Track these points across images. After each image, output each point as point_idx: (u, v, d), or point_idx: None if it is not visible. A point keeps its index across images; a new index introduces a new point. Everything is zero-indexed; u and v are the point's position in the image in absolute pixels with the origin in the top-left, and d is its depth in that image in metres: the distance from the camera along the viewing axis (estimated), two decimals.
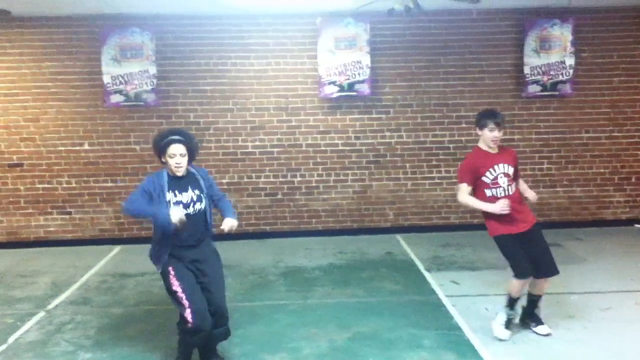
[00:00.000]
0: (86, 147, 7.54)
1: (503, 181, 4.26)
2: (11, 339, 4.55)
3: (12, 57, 7.37)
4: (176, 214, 3.61)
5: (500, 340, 4.27)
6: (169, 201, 3.72)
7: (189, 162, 3.85)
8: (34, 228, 7.62)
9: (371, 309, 5.01)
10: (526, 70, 7.60)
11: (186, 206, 3.73)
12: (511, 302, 4.35)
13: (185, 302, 3.71)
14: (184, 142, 3.76)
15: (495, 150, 4.34)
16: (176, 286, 3.74)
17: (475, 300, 5.14)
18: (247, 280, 5.98)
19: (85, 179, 7.57)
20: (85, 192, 7.59)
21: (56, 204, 7.60)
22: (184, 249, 3.80)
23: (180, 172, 3.77)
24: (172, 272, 3.75)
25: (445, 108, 7.73)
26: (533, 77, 7.62)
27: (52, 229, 7.61)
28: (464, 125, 7.74)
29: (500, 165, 4.27)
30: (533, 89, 7.64)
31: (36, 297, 5.59)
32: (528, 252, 4.23)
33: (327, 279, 5.96)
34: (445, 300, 5.14)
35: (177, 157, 3.73)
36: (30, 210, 7.59)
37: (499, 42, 7.68)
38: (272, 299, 5.37)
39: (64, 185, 7.57)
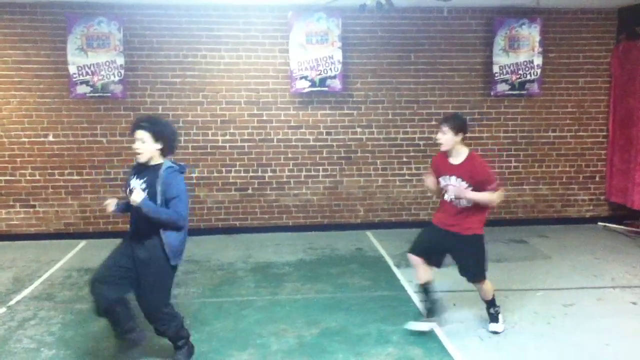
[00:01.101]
0: (51, 138, 7.34)
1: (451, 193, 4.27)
2: None
3: None
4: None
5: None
6: (126, 188, 3.78)
7: (165, 153, 3.78)
8: None
9: (340, 304, 5.02)
10: (495, 69, 7.70)
11: (130, 192, 3.67)
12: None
13: None
14: (147, 129, 3.69)
15: (451, 157, 4.31)
16: None
17: (443, 296, 5.16)
18: (216, 276, 5.93)
19: (49, 171, 7.38)
20: (49, 184, 7.40)
21: (19, 197, 7.39)
22: (132, 239, 3.78)
23: (140, 159, 3.73)
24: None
25: (415, 105, 7.79)
26: (502, 76, 7.73)
27: (15, 222, 7.40)
28: (434, 122, 7.79)
29: (452, 177, 4.26)
30: (502, 87, 7.75)
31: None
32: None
33: (296, 274, 5.95)
34: (414, 296, 5.19)
35: (137, 142, 3.70)
36: (10, 203, 7.36)
37: (469, 40, 7.76)
38: (240, 295, 5.34)
39: (28, 178, 7.36)
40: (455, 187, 4.19)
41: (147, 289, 3.74)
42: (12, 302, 5.16)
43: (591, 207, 8.19)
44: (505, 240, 7.21)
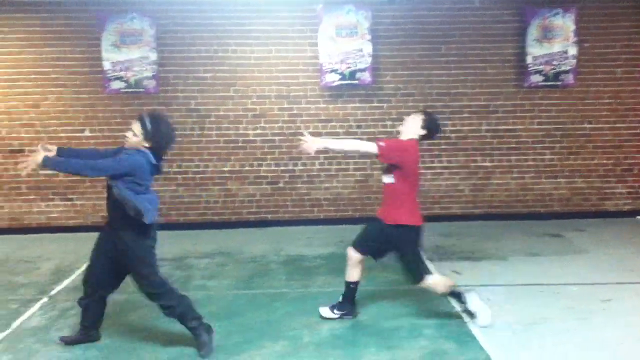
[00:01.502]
0: (87, 133, 7.52)
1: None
2: (15, 324, 4.56)
3: (12, 43, 7.33)
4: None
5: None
6: None
7: (155, 154, 3.88)
8: (36, 214, 7.62)
9: (372, 297, 5.02)
10: (528, 59, 7.57)
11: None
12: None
13: None
14: (144, 126, 3.80)
15: None
16: None
17: (477, 290, 5.13)
18: (248, 268, 6.00)
19: None
20: (86, 178, 7.57)
21: (58, 191, 7.60)
22: (109, 226, 3.96)
23: (125, 144, 3.91)
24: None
25: (447, 97, 7.71)
26: (535, 67, 7.59)
27: (54, 215, 7.62)
28: (466, 114, 7.73)
29: None
30: (535, 78, 7.61)
31: (39, 282, 5.61)
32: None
33: (327, 267, 5.98)
34: None
35: (129, 131, 3.86)
36: (32, 197, 7.59)
37: (501, 31, 7.64)
38: (272, 287, 5.39)
39: None
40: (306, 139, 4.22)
41: (135, 271, 3.94)
42: (53, 292, 5.33)
43: (629, 201, 7.99)
44: (540, 234, 7.10)
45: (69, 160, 3.79)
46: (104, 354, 4.02)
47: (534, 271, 5.66)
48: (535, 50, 7.55)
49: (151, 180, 3.96)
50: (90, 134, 7.51)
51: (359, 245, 4.49)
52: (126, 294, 5.25)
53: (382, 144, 4.18)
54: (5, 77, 7.37)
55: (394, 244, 4.36)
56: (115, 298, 5.09)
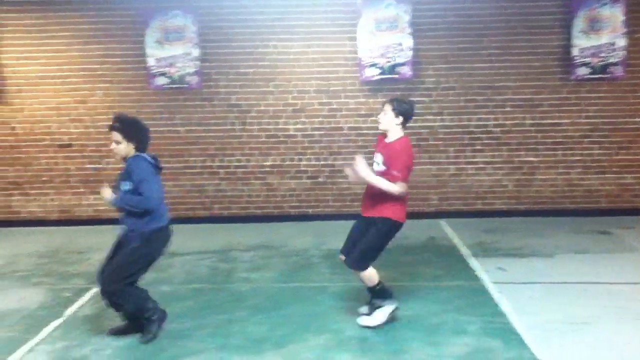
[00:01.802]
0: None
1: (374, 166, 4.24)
2: (68, 312, 4.74)
3: (62, 40, 7.56)
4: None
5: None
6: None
7: (140, 150, 4.03)
8: (85, 207, 7.88)
9: (414, 293, 5.01)
10: (574, 52, 7.38)
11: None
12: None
13: None
14: (119, 130, 3.95)
15: (387, 138, 4.30)
16: None
17: (521, 287, 5.08)
18: (290, 262, 6.06)
19: None
20: None
21: (105, 184, 7.80)
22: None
23: (117, 157, 4.10)
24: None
25: (489, 91, 7.59)
26: (582, 59, 7.40)
27: (102, 207, 7.84)
28: (509, 108, 7.59)
29: (377, 153, 4.29)
30: (582, 71, 7.41)
31: (90, 272, 5.77)
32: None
33: (377, 262, 5.96)
34: (491, 287, 5.08)
35: (113, 143, 4.00)
36: (81, 190, 7.85)
37: (546, 22, 7.47)
38: (315, 281, 5.43)
39: (112, 166, 7.75)
40: (355, 164, 4.10)
41: (112, 263, 4.05)
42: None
43: None
44: (587, 231, 6.93)
45: (129, 196, 3.97)
46: (155, 343, 4.13)
47: (581, 269, 5.54)
48: (581, 42, 7.35)
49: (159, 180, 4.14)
50: None
51: (370, 260, 4.31)
52: (172, 285, 5.42)
53: (398, 178, 4.08)
54: (55, 74, 7.62)
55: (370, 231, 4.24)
56: (162, 289, 5.26)
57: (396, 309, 4.34)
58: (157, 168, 4.16)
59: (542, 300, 4.76)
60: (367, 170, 4.09)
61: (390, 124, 4.22)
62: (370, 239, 4.21)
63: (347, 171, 4.33)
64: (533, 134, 7.64)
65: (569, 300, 4.76)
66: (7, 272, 5.93)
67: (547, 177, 7.71)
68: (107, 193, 3.99)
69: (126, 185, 3.97)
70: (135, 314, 4.16)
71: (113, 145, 4.02)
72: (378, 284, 4.28)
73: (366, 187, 4.32)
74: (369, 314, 4.33)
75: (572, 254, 6.05)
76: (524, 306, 4.63)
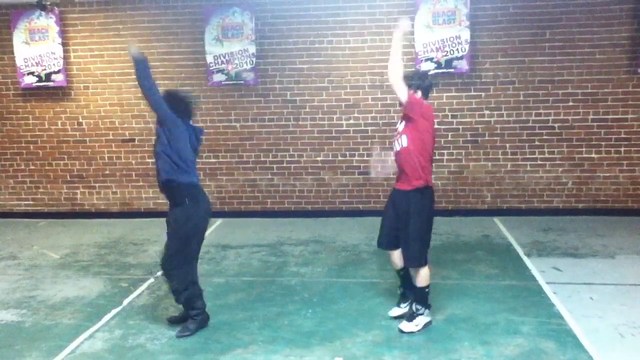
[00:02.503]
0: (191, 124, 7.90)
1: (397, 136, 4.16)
2: (125, 302, 4.95)
3: (125, 39, 7.85)
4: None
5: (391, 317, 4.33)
6: None
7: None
8: (145, 200, 8.17)
9: (466, 292, 4.92)
10: None
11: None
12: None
13: None
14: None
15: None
16: None
17: (578, 288, 4.90)
18: (340, 257, 6.08)
19: None
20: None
21: None
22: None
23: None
24: None
25: (550, 85, 7.33)
26: None
27: (160, 201, 8.08)
28: (571, 103, 7.31)
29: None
30: None
31: (147, 264, 6.03)
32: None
33: None
34: (546, 287, 4.93)
35: None
36: (141, 183, 8.15)
37: (612, 13, 7.12)
38: (364, 277, 5.43)
39: None
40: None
41: (167, 241, 4.21)
42: (159, 273, 5.66)
43: None
44: None
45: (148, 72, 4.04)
46: (207, 333, 4.25)
47: None
48: None
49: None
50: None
51: (427, 248, 4.21)
52: (225, 277, 5.55)
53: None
54: (119, 72, 7.92)
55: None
56: (216, 281, 5.40)
57: (430, 322, 4.25)
58: (196, 136, 4.31)
59: (601, 303, 4.58)
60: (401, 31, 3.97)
61: (405, 93, 4.02)
62: (414, 225, 4.08)
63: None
64: (595, 130, 7.32)
65: (631, 303, 4.56)
66: (70, 261, 6.24)
67: (610, 174, 7.38)
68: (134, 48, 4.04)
69: (160, 131, 4.13)
70: (184, 307, 4.29)
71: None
72: (427, 287, 4.21)
73: (396, 155, 4.20)
74: (408, 319, 4.22)
75: (635, 255, 5.77)
76: (582, 308, 4.47)
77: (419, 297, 4.21)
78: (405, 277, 4.38)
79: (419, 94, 4.13)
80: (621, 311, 4.39)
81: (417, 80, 4.13)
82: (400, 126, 4.16)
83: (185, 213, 4.13)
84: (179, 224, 4.14)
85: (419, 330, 4.15)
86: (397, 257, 4.33)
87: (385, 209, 4.39)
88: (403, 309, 4.42)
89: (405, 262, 4.19)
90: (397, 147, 4.14)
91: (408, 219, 4.09)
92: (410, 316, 4.22)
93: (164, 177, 4.14)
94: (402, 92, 3.96)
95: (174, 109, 4.14)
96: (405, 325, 4.18)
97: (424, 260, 4.14)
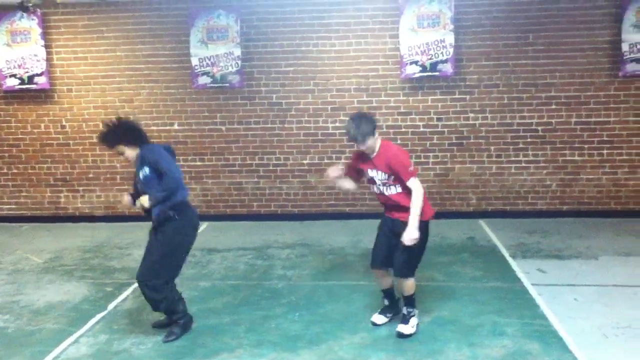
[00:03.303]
0: (176, 127, 7.88)
1: (379, 183, 4.14)
2: (110, 306, 4.90)
3: (109, 41, 7.79)
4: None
5: (373, 324, 4.33)
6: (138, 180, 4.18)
7: (139, 147, 4.10)
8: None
9: (452, 293, 4.95)
10: (624, 47, 7.12)
11: (135, 185, 4.22)
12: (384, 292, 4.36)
13: None
14: (112, 144, 4.09)
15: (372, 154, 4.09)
16: None
17: (562, 289, 4.95)
18: (327, 260, 6.08)
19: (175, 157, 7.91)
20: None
21: None
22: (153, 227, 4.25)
23: (133, 164, 4.19)
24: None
25: (534, 88, 7.41)
26: (632, 55, 7.13)
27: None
28: (554, 106, 7.40)
29: (373, 170, 4.11)
30: (632, 67, 7.15)
31: (131, 268, 5.95)
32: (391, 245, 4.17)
33: None
34: (531, 289, 4.98)
35: (121, 156, 4.20)
36: (126, 186, 8.05)
37: (594, 17, 7.23)
38: (350, 279, 5.43)
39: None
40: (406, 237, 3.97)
41: (147, 254, 4.20)
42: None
43: None
44: (634, 233, 6.70)
45: (160, 187, 4.03)
46: (193, 337, 4.23)
47: (627, 272, 5.35)
48: (632, 37, 7.09)
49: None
50: (178, 127, 7.86)
51: (416, 266, 4.23)
52: (211, 280, 5.52)
53: (415, 172, 4.06)
54: (103, 74, 7.86)
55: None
56: (202, 285, 5.37)
57: (418, 324, 4.27)
58: (171, 153, 4.24)
59: (585, 304, 4.63)
60: (413, 226, 3.97)
61: (374, 144, 4.05)
62: (413, 247, 4.09)
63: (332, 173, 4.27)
64: (578, 133, 7.42)
65: (614, 303, 4.62)
66: (53, 265, 6.17)
67: (593, 176, 7.47)
68: (146, 200, 4.02)
69: (146, 171, 4.03)
70: (165, 313, 4.26)
71: (122, 157, 4.18)
72: (414, 292, 4.24)
73: (383, 200, 4.21)
74: (403, 322, 4.20)
75: (617, 257, 5.85)
76: (566, 309, 4.52)
77: (409, 301, 4.23)
78: (391, 294, 4.44)
79: (376, 134, 4.06)
80: (605, 312, 4.44)
81: (368, 127, 3.97)
82: (381, 175, 4.07)
83: (175, 227, 4.12)
84: (167, 237, 4.11)
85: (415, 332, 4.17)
86: (386, 278, 4.36)
87: (380, 232, 4.34)
88: (387, 318, 4.42)
89: (395, 271, 4.18)
90: (386, 192, 4.12)
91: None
92: (404, 319, 4.22)
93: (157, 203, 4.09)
94: (420, 192, 4.01)
95: (138, 137, 4.13)
96: (403, 328, 4.17)
97: (412, 273, 4.17)
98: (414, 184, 4.00)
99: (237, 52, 7.55)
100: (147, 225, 4.38)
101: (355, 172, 4.33)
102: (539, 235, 6.75)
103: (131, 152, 4.11)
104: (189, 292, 5.15)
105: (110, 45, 7.80)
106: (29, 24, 7.70)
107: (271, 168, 7.89)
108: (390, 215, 4.22)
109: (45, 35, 7.75)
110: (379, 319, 4.41)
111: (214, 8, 7.51)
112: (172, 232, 4.13)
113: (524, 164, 7.55)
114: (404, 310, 4.24)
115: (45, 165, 8.14)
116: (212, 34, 7.56)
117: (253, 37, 7.63)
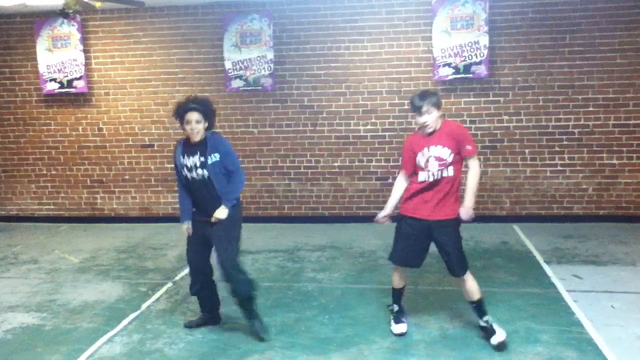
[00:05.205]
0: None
1: (433, 165, 3.97)
2: (144, 306, 4.99)
3: (145, 46, 7.95)
4: (184, 227, 4.30)
5: (395, 334, 4.17)
6: (182, 169, 4.19)
7: (208, 128, 4.15)
8: (163, 205, 8.25)
9: (485, 299, 4.83)
10: None
11: (189, 169, 4.14)
12: (393, 294, 4.25)
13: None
14: (199, 109, 4.08)
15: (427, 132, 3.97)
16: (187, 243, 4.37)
17: (599, 296, 4.83)
18: (357, 262, 6.07)
19: None
20: None
21: None
22: (198, 211, 4.25)
23: (196, 137, 4.12)
24: (187, 232, 4.34)
25: (570, 90, 7.25)
26: None
27: (178, 206, 8.15)
28: (591, 108, 7.22)
29: (432, 147, 3.96)
30: None
31: (165, 268, 6.08)
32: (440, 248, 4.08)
33: (438, 266, 5.81)
34: (566, 295, 4.87)
35: (192, 123, 4.07)
36: (160, 188, 8.23)
37: (633, 17, 7.03)
38: (382, 283, 5.39)
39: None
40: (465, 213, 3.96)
41: (222, 243, 4.15)
42: (177, 278, 5.75)
43: None
44: None
45: (231, 186, 4.18)
46: (224, 338, 4.27)
47: None
48: None
49: None
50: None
51: (466, 264, 4.14)
52: None
53: (475, 149, 4.03)
54: (139, 78, 8.02)
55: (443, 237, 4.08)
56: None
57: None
58: None
59: (623, 311, 4.50)
60: (471, 200, 4.00)
61: (435, 118, 3.94)
62: (457, 240, 4.10)
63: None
64: (617, 135, 7.22)
65: None
66: (90, 265, 6.32)
67: (631, 180, 7.26)
68: (223, 212, 4.12)
69: (216, 157, 4.09)
70: (250, 299, 4.29)
71: (194, 125, 4.07)
72: (483, 296, 4.10)
73: (428, 190, 4.05)
74: (489, 334, 4.00)
75: None
76: (603, 317, 4.40)
77: (481, 308, 4.07)
78: (401, 294, 4.39)
79: (441, 111, 4.00)
80: None
81: (434, 98, 3.93)
82: (443, 152, 3.94)
83: (237, 210, 4.25)
84: (234, 220, 4.21)
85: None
86: (405, 275, 4.35)
87: (412, 236, 4.18)
88: (406, 322, 4.35)
89: (457, 271, 4.08)
90: (443, 174, 3.99)
91: (452, 238, 4.08)
92: (488, 331, 4.02)
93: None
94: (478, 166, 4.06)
95: (214, 118, 4.27)
96: (498, 337, 3.94)
97: (467, 265, 4.11)
98: (475, 162, 4.01)
99: (270, 55, 7.61)
100: (179, 227, 4.44)
101: (413, 166, 4.10)
102: (574, 240, 6.59)
103: (202, 127, 4.12)
104: (221, 294, 5.21)
105: (147, 50, 7.96)
106: (69, 29, 7.93)
107: (302, 170, 7.91)
108: (428, 217, 4.06)
109: (84, 40, 7.97)
110: (402, 327, 4.27)
111: (248, 12, 7.59)
112: (237, 215, 4.26)
113: (559, 168, 7.39)
114: (482, 323, 4.06)
115: (82, 167, 8.36)
116: (246, 38, 7.64)
117: (285, 41, 7.69)
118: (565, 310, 4.58)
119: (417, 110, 3.92)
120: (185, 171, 4.16)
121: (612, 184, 7.32)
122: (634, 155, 7.22)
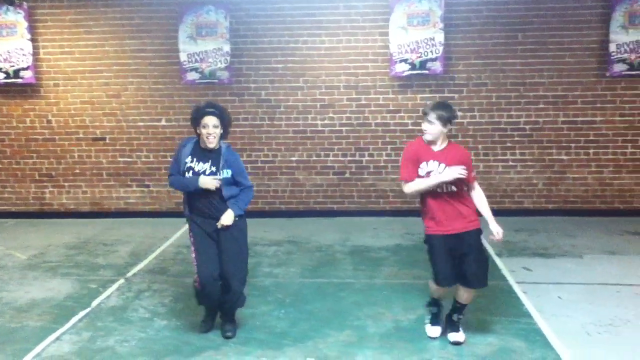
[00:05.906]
0: (163, 122, 7.83)
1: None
2: (94, 303, 4.85)
3: (97, 36, 7.71)
4: (206, 182, 3.94)
5: (430, 337, 4.11)
6: (186, 170, 4.03)
7: (223, 136, 4.05)
8: (115, 199, 8.04)
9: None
10: (612, 47, 7.16)
11: (196, 174, 4.01)
12: (433, 301, 4.20)
13: (195, 263, 4.09)
14: (217, 115, 3.97)
15: (434, 146, 3.93)
16: (192, 244, 4.14)
17: (548, 288, 4.98)
18: (314, 257, 6.07)
19: (162, 153, 7.86)
20: (162, 166, 7.88)
21: (135, 177, 7.96)
22: (205, 218, 4.06)
23: (211, 144, 3.98)
24: (191, 232, 4.13)
25: (522, 87, 7.44)
26: (619, 55, 7.17)
27: (131, 200, 8.00)
28: (541, 105, 7.43)
29: (435, 162, 3.89)
30: (619, 67, 7.19)
31: (117, 265, 5.93)
32: (456, 258, 3.95)
33: (393, 259, 5.95)
34: (516, 287, 5.01)
35: (209, 127, 3.94)
36: (112, 183, 8.01)
37: (583, 17, 7.27)
38: (338, 277, 5.42)
39: (143, 160, 7.91)
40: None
41: (232, 253, 4.06)
42: (129, 274, 5.61)
43: None
44: (619, 232, 6.75)
45: (241, 196, 4.09)
46: (178, 334, 4.21)
47: (611, 271, 5.40)
48: (619, 38, 7.14)
49: None
50: (166, 123, 7.82)
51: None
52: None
53: (476, 178, 4.11)
54: (90, 69, 7.78)
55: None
56: (188, 282, 5.32)
57: None
58: None
59: (570, 302, 4.66)
60: (494, 220, 4.11)
61: (439, 134, 3.88)
62: (482, 253, 4.13)
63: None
64: (565, 132, 7.46)
65: (598, 302, 4.65)
66: (38, 262, 6.11)
67: (579, 176, 7.52)
68: (230, 216, 3.98)
69: (228, 173, 4.00)
70: (230, 310, 4.23)
71: (211, 130, 3.92)
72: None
73: (445, 204, 3.98)
74: (455, 329, 4.05)
75: (602, 255, 5.90)
76: (551, 307, 4.55)
77: (463, 309, 4.10)
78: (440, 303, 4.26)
79: (448, 127, 3.91)
80: (589, 310, 4.48)
81: (445, 113, 3.84)
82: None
83: (244, 221, 4.16)
84: (243, 230, 4.15)
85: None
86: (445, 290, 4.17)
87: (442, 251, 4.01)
88: (441, 327, 4.24)
89: (479, 283, 3.99)
90: (450, 188, 3.93)
91: (474, 252, 4.03)
92: (454, 325, 4.06)
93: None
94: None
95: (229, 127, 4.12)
96: (459, 336, 4.00)
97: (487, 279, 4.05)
98: (478, 186, 4.12)
99: (226, 48, 7.51)
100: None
101: (416, 173, 3.98)
102: (525, 233, 6.78)
103: (220, 134, 3.99)
104: (174, 289, 5.14)
105: (98, 40, 7.73)
106: (15, 17, 7.60)
107: (259, 165, 7.86)
108: (449, 232, 3.96)
109: (31, 28, 7.66)
110: (437, 330, 4.16)
111: (204, 3, 7.46)
112: (244, 225, 4.16)
113: (511, 163, 7.58)
114: (454, 317, 4.08)
115: (30, 161, 8.05)
116: (202, 30, 7.51)
117: (242, 34, 7.59)
118: (515, 301, 4.71)
119: (423, 115, 3.95)
120: (191, 174, 4.02)
121: (560, 179, 7.56)
122: (582, 151, 7.48)
